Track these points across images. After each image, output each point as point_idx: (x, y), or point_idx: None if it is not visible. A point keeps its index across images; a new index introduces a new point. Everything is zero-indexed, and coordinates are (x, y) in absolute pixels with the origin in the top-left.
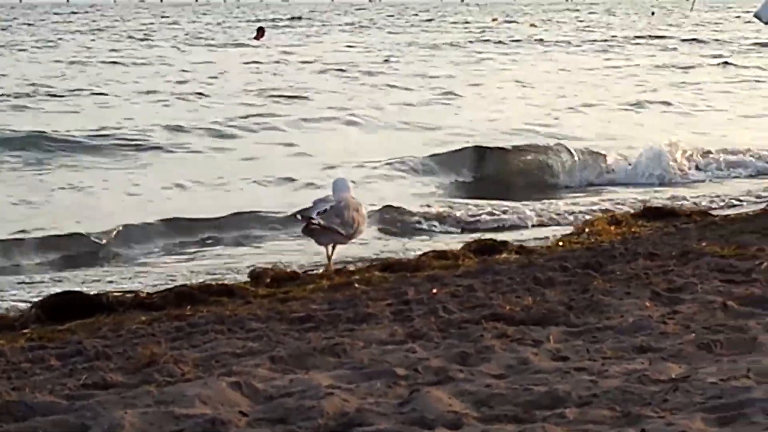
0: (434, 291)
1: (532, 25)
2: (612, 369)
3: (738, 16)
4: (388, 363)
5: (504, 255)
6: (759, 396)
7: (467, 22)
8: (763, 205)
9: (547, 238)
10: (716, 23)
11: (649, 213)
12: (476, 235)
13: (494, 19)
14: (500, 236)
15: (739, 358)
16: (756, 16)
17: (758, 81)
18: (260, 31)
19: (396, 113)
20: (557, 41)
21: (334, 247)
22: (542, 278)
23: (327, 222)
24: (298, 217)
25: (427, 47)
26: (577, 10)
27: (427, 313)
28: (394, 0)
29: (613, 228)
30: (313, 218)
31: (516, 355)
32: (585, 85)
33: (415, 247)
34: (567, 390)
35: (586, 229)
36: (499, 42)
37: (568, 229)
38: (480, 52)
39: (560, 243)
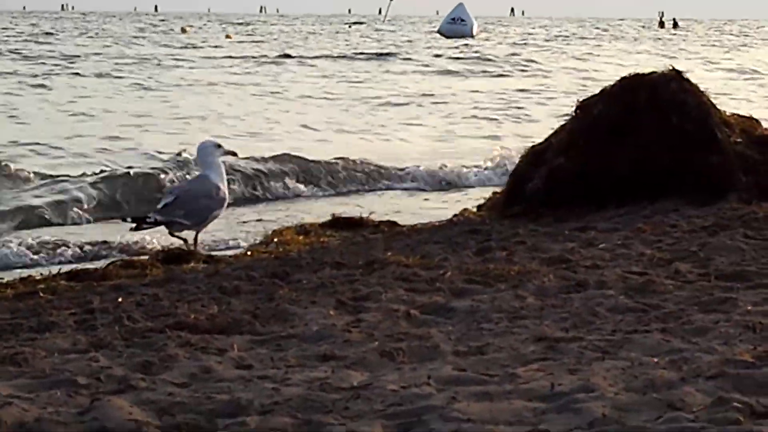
0: (120, 300)
1: (227, 36)
2: (295, 377)
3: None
4: (70, 372)
5: (192, 264)
6: (438, 403)
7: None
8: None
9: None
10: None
11: (338, 223)
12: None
13: (183, 30)
14: None
15: (420, 366)
16: (439, 32)
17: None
18: None
19: None
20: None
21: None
22: (228, 287)
23: (167, 217)
24: (128, 219)
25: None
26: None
27: (112, 322)
28: (86, 8)
29: (301, 238)
30: (148, 218)
31: (199, 363)
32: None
33: None
34: (249, 398)
35: (275, 239)
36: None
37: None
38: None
39: (248, 252)
